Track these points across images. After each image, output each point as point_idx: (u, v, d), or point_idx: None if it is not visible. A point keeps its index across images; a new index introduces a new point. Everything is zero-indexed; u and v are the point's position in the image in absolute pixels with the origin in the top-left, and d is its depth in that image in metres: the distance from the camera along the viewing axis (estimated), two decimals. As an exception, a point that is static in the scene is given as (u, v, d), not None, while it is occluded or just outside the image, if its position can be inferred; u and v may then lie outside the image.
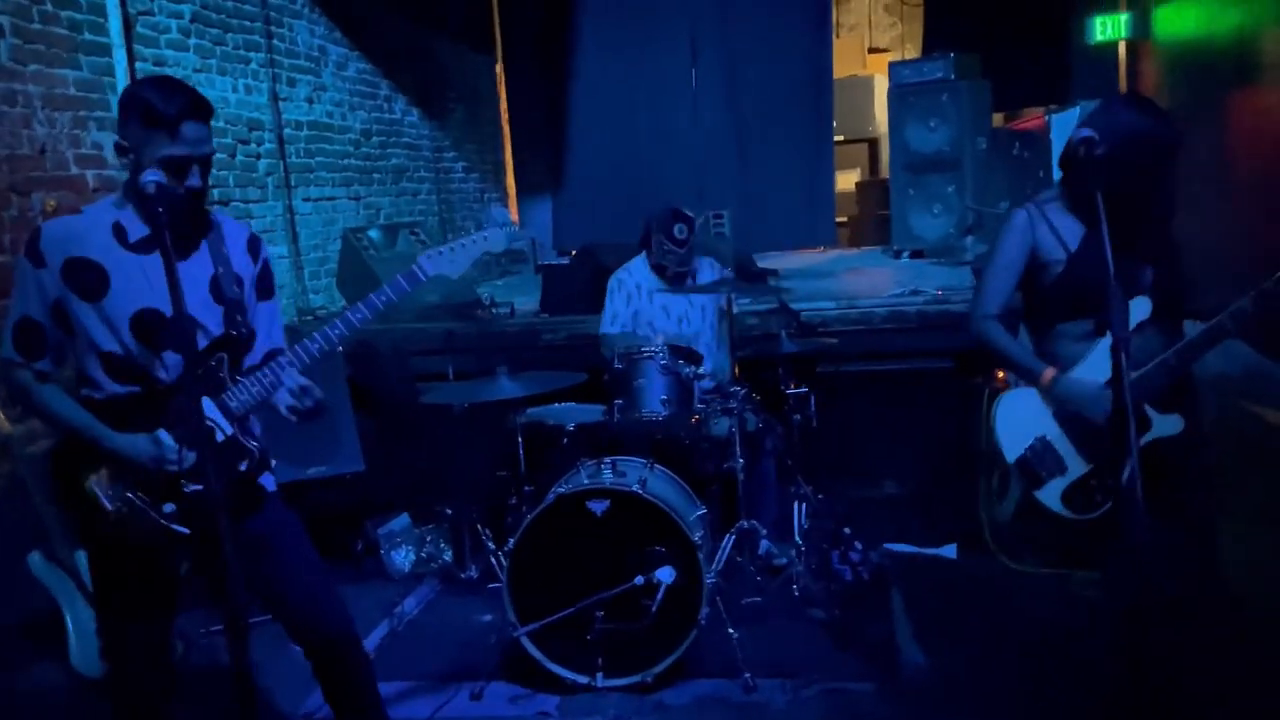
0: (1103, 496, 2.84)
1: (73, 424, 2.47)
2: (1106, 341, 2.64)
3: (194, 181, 2.40)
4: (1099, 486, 2.85)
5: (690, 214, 4.64)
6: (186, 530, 2.47)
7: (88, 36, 4.57)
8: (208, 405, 2.47)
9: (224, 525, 2.03)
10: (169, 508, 2.47)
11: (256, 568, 2.53)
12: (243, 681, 2.07)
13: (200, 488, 2.41)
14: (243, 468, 2.54)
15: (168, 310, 2.38)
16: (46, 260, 2.41)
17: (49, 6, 4.35)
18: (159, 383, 2.49)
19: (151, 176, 2.27)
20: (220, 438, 2.47)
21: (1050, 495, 2.94)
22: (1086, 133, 2.61)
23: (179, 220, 2.38)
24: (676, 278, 4.65)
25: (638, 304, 4.72)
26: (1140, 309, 2.72)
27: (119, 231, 2.46)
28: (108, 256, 2.43)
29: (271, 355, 2.62)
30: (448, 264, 2.70)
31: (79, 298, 2.42)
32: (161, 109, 2.34)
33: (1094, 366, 2.78)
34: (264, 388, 2.51)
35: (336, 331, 2.56)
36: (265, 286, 2.69)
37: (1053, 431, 2.90)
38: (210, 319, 2.52)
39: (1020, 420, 2.96)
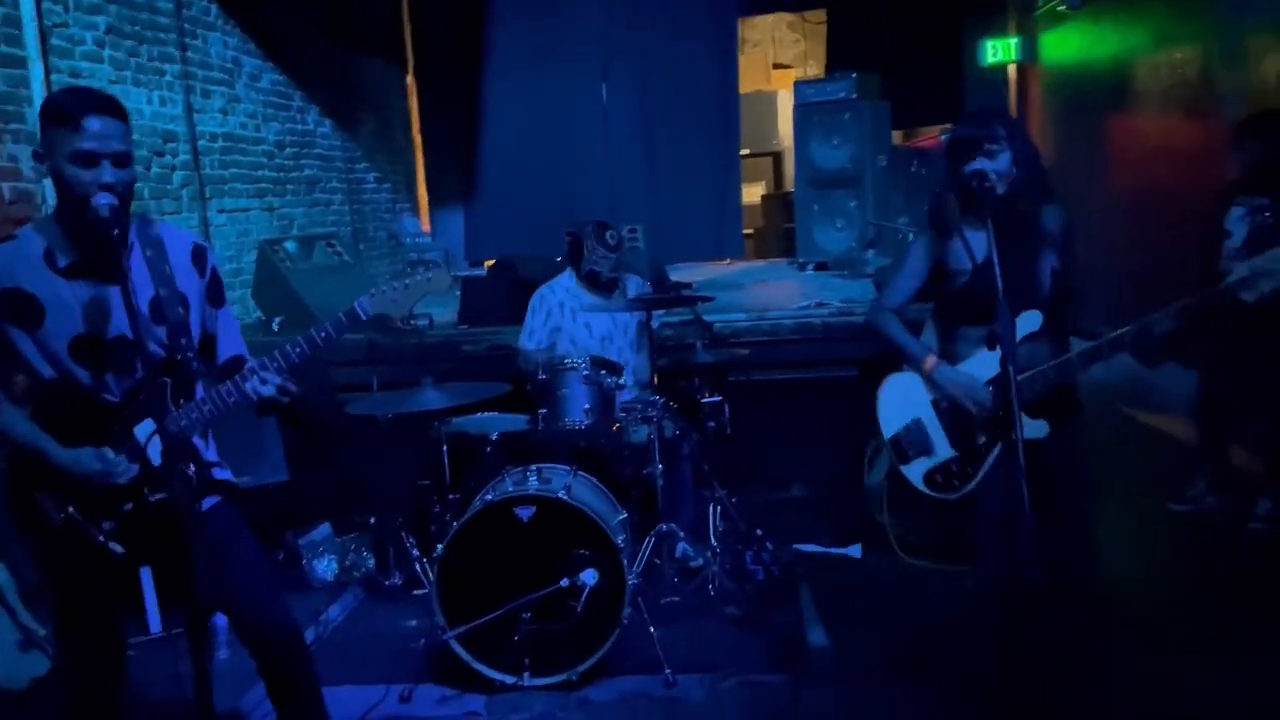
0: (960, 482, 3.07)
1: (22, 441, 2.50)
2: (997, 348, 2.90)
3: (107, 178, 2.33)
4: (958, 472, 3.07)
5: (618, 226, 4.82)
6: (120, 549, 2.51)
7: (3, 49, 4.55)
8: (149, 427, 2.46)
9: (189, 535, 2.13)
10: (107, 525, 2.51)
11: (207, 581, 2.48)
12: (202, 684, 2.18)
13: (130, 507, 2.49)
14: (181, 488, 2.44)
15: (105, 334, 2.45)
16: None
17: (-36, 19, 4.33)
18: (104, 403, 2.51)
19: (104, 199, 2.31)
20: (159, 460, 2.45)
21: (914, 472, 3.16)
22: (979, 165, 2.87)
23: (104, 231, 2.33)
24: (607, 285, 4.76)
25: (558, 320, 4.80)
26: (1030, 322, 2.91)
27: (49, 258, 2.44)
28: (40, 285, 2.43)
29: (236, 361, 2.67)
30: (390, 304, 2.67)
31: (15, 328, 2.43)
32: (66, 106, 2.34)
33: (979, 364, 3.01)
34: (204, 414, 2.51)
35: (276, 365, 2.55)
36: (216, 295, 2.69)
37: (927, 415, 3.12)
38: (152, 340, 2.48)
39: (900, 401, 3.18)
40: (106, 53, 5.35)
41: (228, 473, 2.77)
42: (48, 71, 4.78)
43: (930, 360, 3.08)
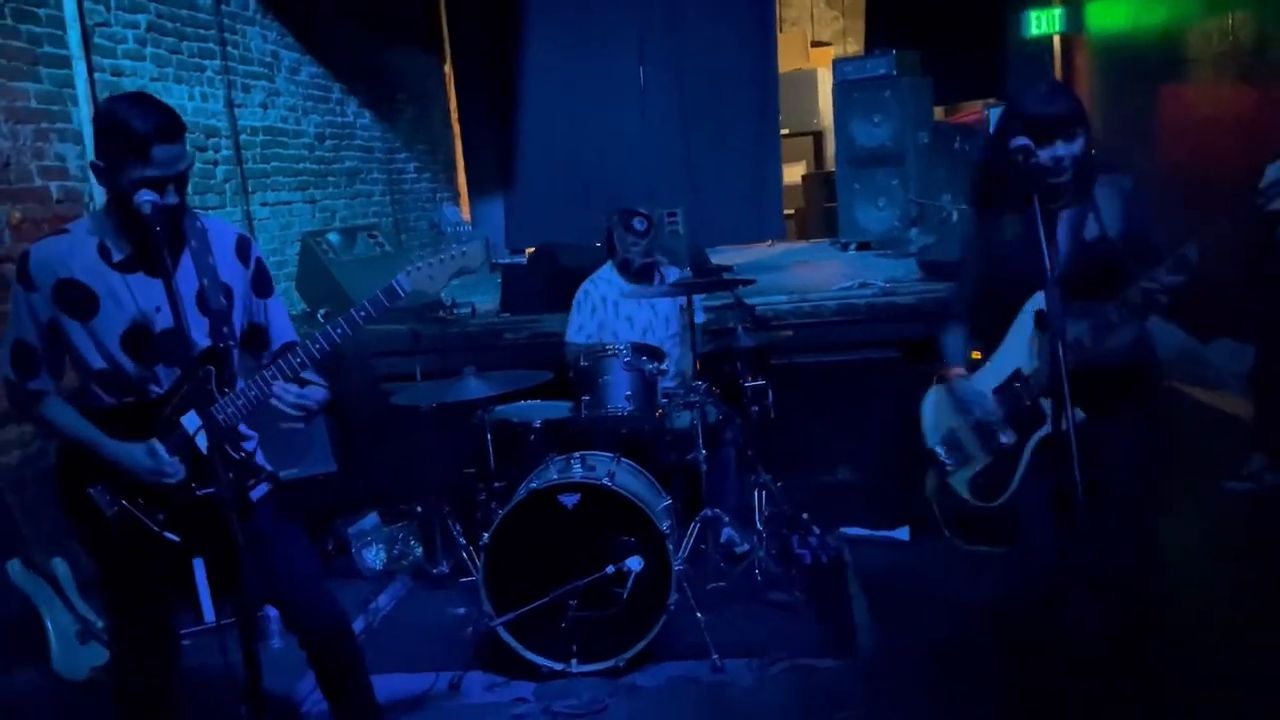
0: (999, 487, 2.97)
1: (73, 434, 2.56)
2: (1011, 339, 2.83)
3: (171, 199, 2.42)
4: (995, 477, 2.98)
5: (646, 211, 4.79)
6: (177, 538, 2.57)
7: (47, 49, 4.61)
8: (193, 418, 2.54)
9: (235, 528, 2.16)
10: (161, 515, 2.57)
11: (254, 565, 2.59)
12: (252, 674, 2.21)
13: (183, 498, 2.55)
14: (231, 475, 2.55)
15: (154, 326, 2.51)
16: (37, 283, 2.47)
17: (8, 20, 4.37)
18: (153, 395, 2.57)
19: (146, 196, 2.35)
20: (206, 448, 2.49)
21: (959, 482, 3.10)
22: (1023, 141, 2.79)
23: (166, 233, 2.40)
24: (642, 272, 4.76)
25: (602, 315, 4.84)
26: (1038, 299, 2.79)
27: (104, 252, 2.51)
28: (95, 277, 2.49)
29: (286, 348, 2.69)
30: (426, 280, 2.70)
31: (69, 317, 2.49)
32: (134, 132, 2.36)
33: (990, 373, 2.96)
34: (250, 400, 2.56)
35: (318, 346, 2.60)
36: (262, 285, 2.74)
37: (961, 425, 3.06)
38: (198, 331, 2.53)
39: (941, 410, 3.14)
40: (148, 50, 5.40)
41: (268, 465, 2.81)
42: (91, 70, 4.84)
43: (949, 373, 3.04)
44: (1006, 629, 3.39)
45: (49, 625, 3.80)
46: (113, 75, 5.07)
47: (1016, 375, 2.87)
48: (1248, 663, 3.19)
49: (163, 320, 2.52)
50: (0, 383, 2.59)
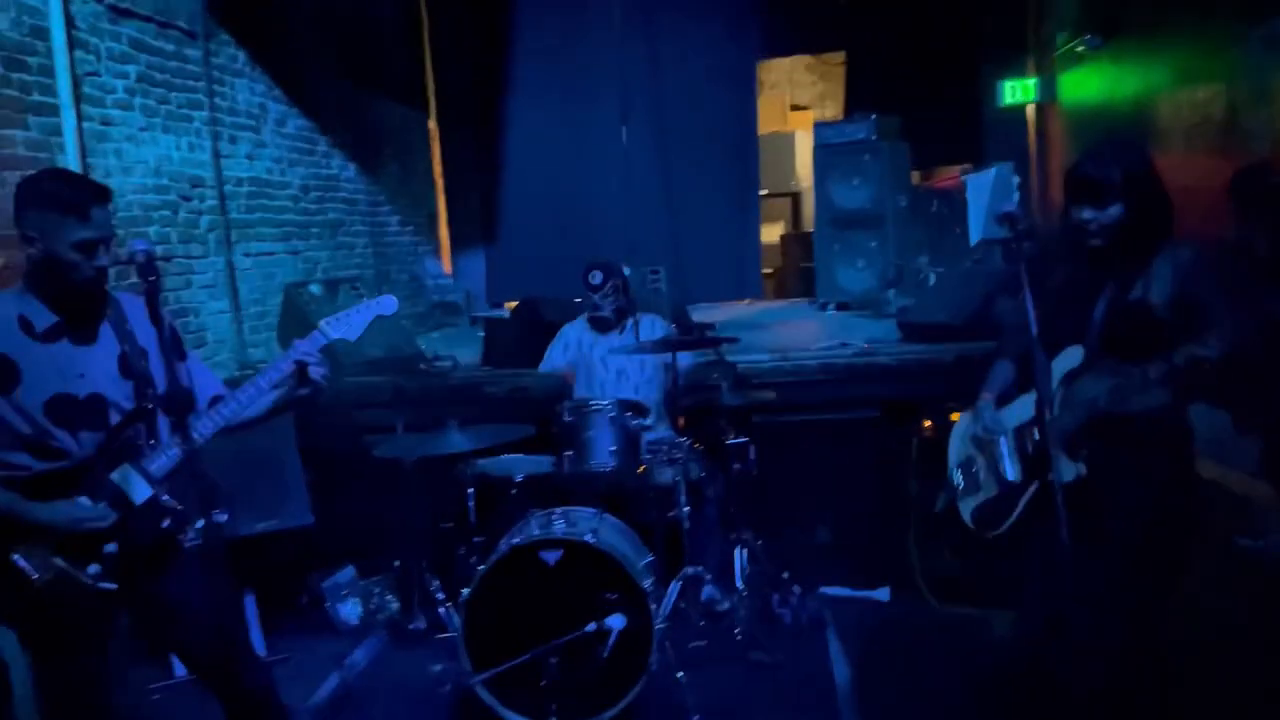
0: (995, 520, 3.06)
1: None
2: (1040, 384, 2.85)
3: (103, 260, 2.59)
4: (995, 510, 3.07)
5: (609, 262, 4.89)
6: (114, 586, 2.62)
7: (36, 97, 4.62)
8: (128, 471, 2.65)
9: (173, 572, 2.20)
10: (93, 569, 2.61)
11: (170, 629, 2.80)
12: None
13: (115, 548, 2.61)
14: (165, 525, 2.71)
15: (79, 393, 2.63)
16: None
17: (0, 69, 4.39)
18: (76, 458, 2.64)
19: (140, 246, 2.50)
20: (140, 500, 2.65)
21: (966, 508, 3.20)
22: (1009, 209, 2.86)
23: (88, 301, 2.65)
24: (603, 323, 4.88)
25: (576, 353, 4.95)
26: (1072, 357, 2.87)
27: (24, 324, 2.60)
28: (16, 349, 2.57)
29: (215, 400, 2.84)
30: (346, 328, 2.99)
31: None
32: (73, 196, 2.55)
33: (1023, 405, 3.02)
34: (181, 452, 2.66)
35: (247, 395, 2.77)
36: (178, 347, 2.83)
37: (977, 452, 3.16)
38: (122, 394, 2.69)
39: (963, 435, 3.25)
40: (137, 100, 5.42)
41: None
42: (80, 119, 4.85)
43: (984, 397, 3.11)
44: (990, 690, 3.41)
45: (16, 688, 3.71)
46: (101, 124, 5.07)
47: (1033, 421, 2.93)
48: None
49: (86, 386, 2.64)
50: None
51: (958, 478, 3.22)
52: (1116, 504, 2.85)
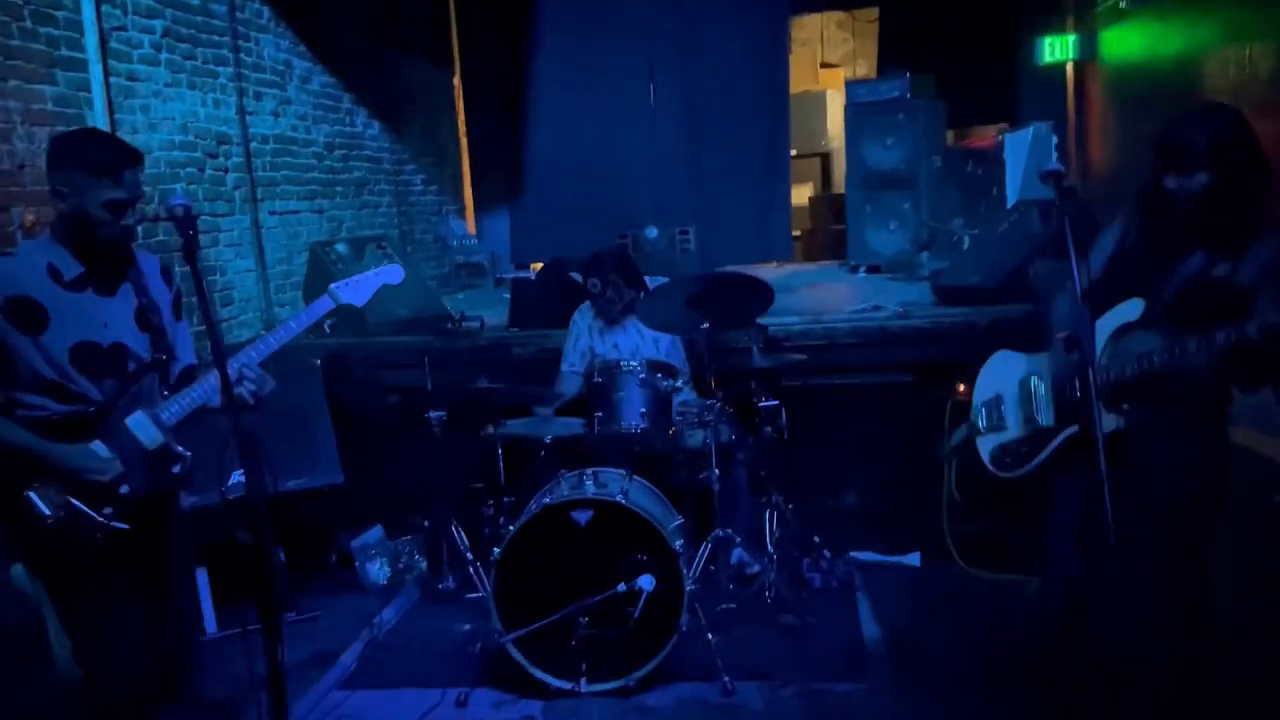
0: (1014, 462, 3.05)
1: (14, 442, 2.66)
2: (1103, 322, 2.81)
3: (130, 220, 2.73)
4: (1017, 453, 3.05)
5: (603, 257, 4.83)
6: (126, 526, 2.74)
7: (64, 52, 4.58)
8: (142, 418, 2.78)
9: (265, 528, 2.24)
10: (107, 510, 2.72)
11: (144, 566, 2.87)
12: (275, 676, 2.31)
13: (128, 490, 2.75)
14: (175, 469, 2.88)
15: (102, 341, 2.76)
16: None
17: (28, 23, 4.35)
18: (95, 403, 2.76)
19: (179, 200, 2.54)
20: (154, 445, 2.79)
21: (985, 445, 3.18)
22: (1054, 167, 2.79)
23: (114, 256, 2.79)
24: (613, 318, 4.86)
25: (588, 342, 4.91)
26: (1124, 313, 2.82)
27: (53, 272, 2.72)
28: (45, 295, 2.69)
29: (187, 373, 2.98)
30: (354, 294, 3.17)
31: (20, 333, 2.66)
32: (107, 158, 2.68)
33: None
34: (192, 401, 2.83)
35: (266, 345, 2.92)
36: (179, 308, 3.02)
37: (1009, 393, 3.12)
38: (139, 345, 2.83)
39: (993, 374, 3.22)
40: (163, 55, 5.38)
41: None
42: (107, 74, 4.81)
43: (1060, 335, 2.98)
44: (1021, 655, 3.38)
45: (51, 631, 3.74)
46: (128, 80, 5.04)
47: (1077, 370, 2.83)
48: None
49: (110, 335, 2.77)
50: None
51: (982, 415, 3.20)
52: (1157, 460, 2.81)
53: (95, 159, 2.67)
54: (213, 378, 2.80)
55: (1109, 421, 2.75)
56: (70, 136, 2.85)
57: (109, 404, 2.76)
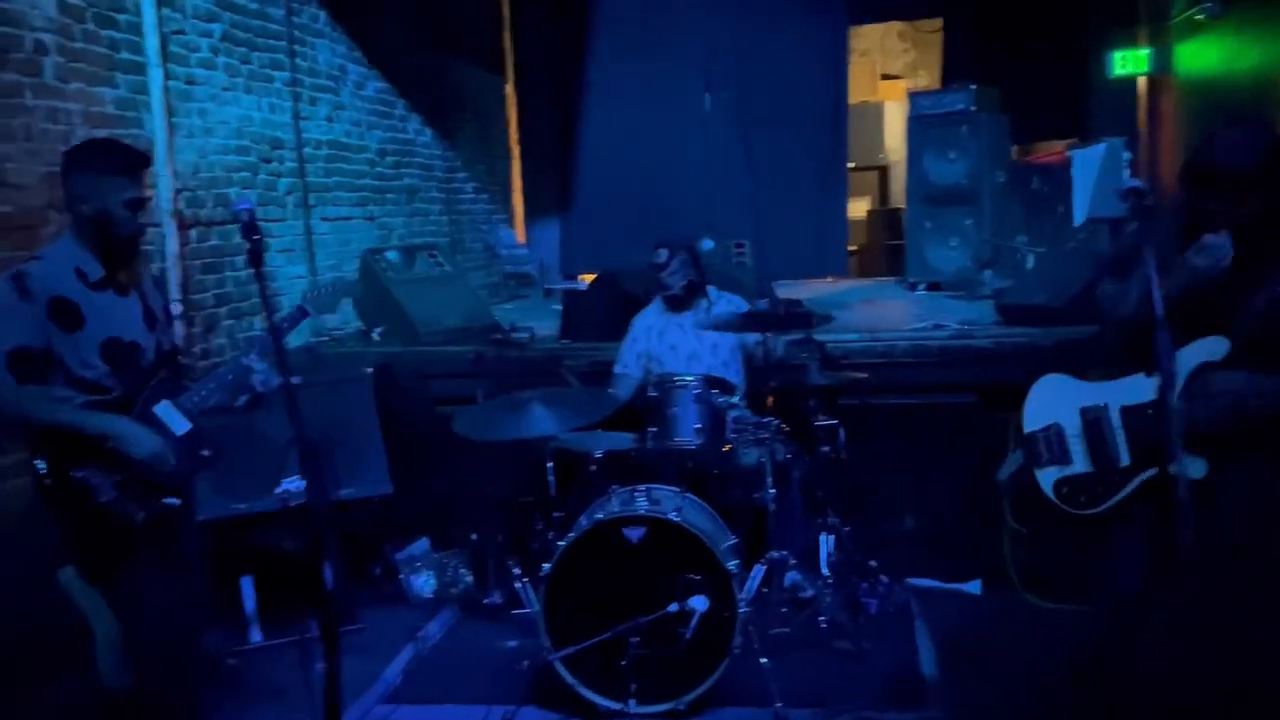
0: (1088, 501, 2.94)
1: (81, 425, 2.85)
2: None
3: (143, 218, 2.99)
4: (1090, 491, 2.94)
5: (674, 238, 4.81)
6: (177, 501, 2.98)
7: (125, 55, 4.58)
8: (168, 406, 3.00)
9: (327, 536, 2.34)
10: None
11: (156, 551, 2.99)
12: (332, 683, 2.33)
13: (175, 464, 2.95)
14: (205, 454, 3.07)
15: (124, 337, 2.97)
16: (36, 298, 2.83)
17: (90, 25, 4.35)
18: (120, 395, 2.95)
19: (245, 205, 2.69)
20: (181, 432, 2.99)
21: (1045, 479, 3.04)
22: (1133, 183, 2.68)
23: (129, 256, 3.01)
24: (675, 301, 4.76)
25: (645, 345, 4.82)
26: (1212, 348, 2.72)
27: (80, 274, 2.92)
28: (78, 295, 2.89)
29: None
30: (324, 303, 3.52)
31: (60, 330, 2.86)
32: (126, 161, 2.93)
33: (1134, 384, 2.88)
34: (210, 392, 3.07)
35: (258, 350, 3.13)
36: (169, 314, 3.31)
37: (1069, 423, 2.98)
38: (148, 343, 3.05)
39: (1046, 401, 3.08)
40: (220, 59, 5.38)
41: None
42: (166, 78, 4.80)
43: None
44: (1084, 689, 3.24)
45: (97, 634, 3.71)
46: (185, 83, 5.03)
47: (1154, 405, 2.73)
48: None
49: (129, 331, 2.99)
50: None
51: (1042, 446, 3.04)
52: (1245, 510, 2.69)
53: (113, 162, 2.92)
54: (224, 371, 3.11)
55: (1198, 467, 2.66)
56: (85, 145, 3.11)
57: (134, 395, 2.96)
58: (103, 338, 2.92)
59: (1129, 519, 2.88)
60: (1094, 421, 2.93)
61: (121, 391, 2.96)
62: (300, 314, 3.36)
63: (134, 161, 2.95)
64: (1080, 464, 2.97)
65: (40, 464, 2.85)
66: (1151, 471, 2.79)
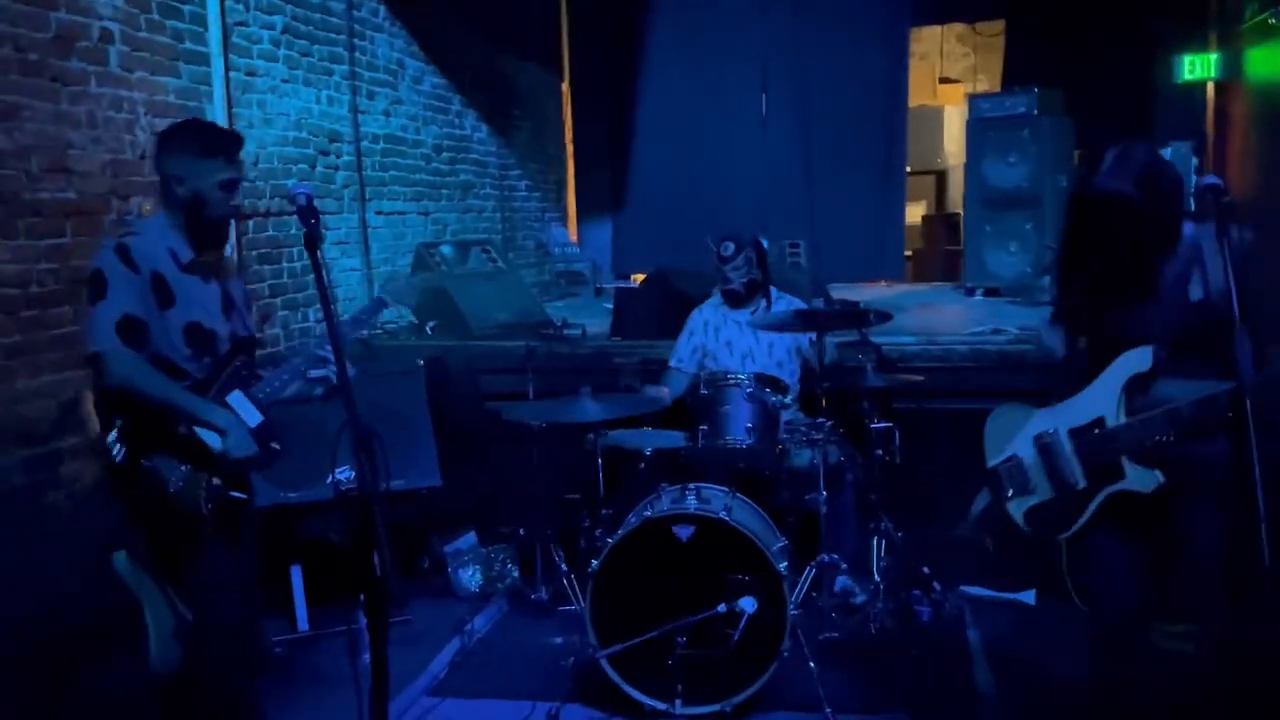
0: (1059, 526, 2.95)
1: (190, 409, 2.82)
2: (1101, 384, 2.77)
3: (236, 200, 2.97)
4: (1058, 516, 2.95)
5: (742, 234, 4.67)
6: (244, 496, 2.94)
7: (188, 46, 4.64)
8: (240, 396, 2.94)
9: (380, 526, 2.30)
10: (216, 481, 2.86)
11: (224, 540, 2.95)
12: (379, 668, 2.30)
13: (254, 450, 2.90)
14: (275, 446, 3.00)
15: (205, 323, 2.93)
16: (140, 269, 2.82)
17: (155, 15, 4.41)
18: (194, 380, 2.91)
19: (302, 189, 2.64)
20: (253, 423, 2.93)
21: (1017, 510, 3.06)
22: (1212, 180, 2.62)
23: (218, 241, 2.98)
24: (735, 297, 4.66)
25: (701, 340, 4.76)
26: (1140, 359, 2.71)
27: (173, 255, 2.91)
28: (171, 274, 2.88)
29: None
30: (401, 295, 3.42)
31: (155, 307, 2.84)
32: (220, 142, 2.91)
33: (1080, 405, 2.88)
34: (283, 383, 3.01)
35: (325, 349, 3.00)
36: (249, 303, 3.22)
37: (1027, 454, 2.98)
38: (224, 331, 3.00)
39: (1001, 434, 3.10)
40: (281, 52, 5.43)
41: None
42: (227, 69, 4.86)
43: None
44: (1143, 703, 3.15)
45: (149, 620, 3.75)
46: (246, 75, 5.09)
47: (1099, 423, 2.78)
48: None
49: (211, 316, 2.95)
50: (96, 355, 2.77)
51: (1005, 478, 3.05)
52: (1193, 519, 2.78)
53: (209, 143, 2.88)
54: (296, 361, 3.06)
55: (1150, 479, 2.70)
56: (180, 127, 3.03)
57: (208, 382, 2.91)
58: (186, 321, 2.89)
59: (1107, 535, 2.89)
60: (1046, 447, 2.92)
61: (200, 378, 2.92)
62: (379, 304, 3.32)
63: (229, 142, 2.94)
64: (1043, 491, 2.96)
65: (116, 446, 2.80)
66: (1111, 488, 2.80)
